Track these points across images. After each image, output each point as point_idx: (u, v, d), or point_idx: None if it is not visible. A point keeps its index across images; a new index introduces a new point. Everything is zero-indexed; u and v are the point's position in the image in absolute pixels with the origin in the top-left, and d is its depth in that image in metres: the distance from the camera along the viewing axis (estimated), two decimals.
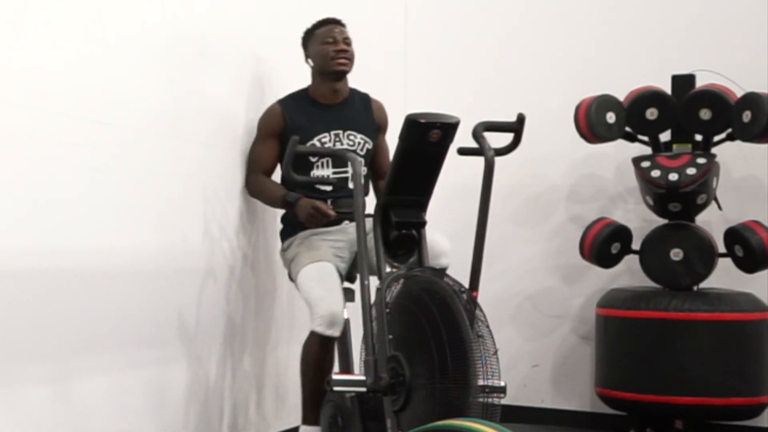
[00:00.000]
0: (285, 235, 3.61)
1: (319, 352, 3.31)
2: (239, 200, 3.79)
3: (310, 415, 3.39)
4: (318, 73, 3.62)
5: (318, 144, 3.50)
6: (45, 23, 2.84)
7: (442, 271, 2.99)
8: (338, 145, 3.53)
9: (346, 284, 3.55)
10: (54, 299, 2.88)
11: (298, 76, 3.74)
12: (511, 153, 4.96)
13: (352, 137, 3.55)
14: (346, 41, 3.60)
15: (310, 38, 3.66)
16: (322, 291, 3.33)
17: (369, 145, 3.59)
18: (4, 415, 2.70)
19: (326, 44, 3.57)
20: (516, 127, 3.13)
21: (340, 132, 3.56)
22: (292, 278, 3.54)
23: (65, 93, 2.92)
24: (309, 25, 3.69)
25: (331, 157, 3.51)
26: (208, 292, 3.62)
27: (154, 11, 3.33)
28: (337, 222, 3.50)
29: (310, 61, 3.66)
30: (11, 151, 2.73)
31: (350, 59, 3.60)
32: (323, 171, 3.48)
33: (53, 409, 2.89)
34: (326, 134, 3.54)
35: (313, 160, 3.46)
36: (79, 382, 2.99)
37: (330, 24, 3.63)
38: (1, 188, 2.70)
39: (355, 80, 3.74)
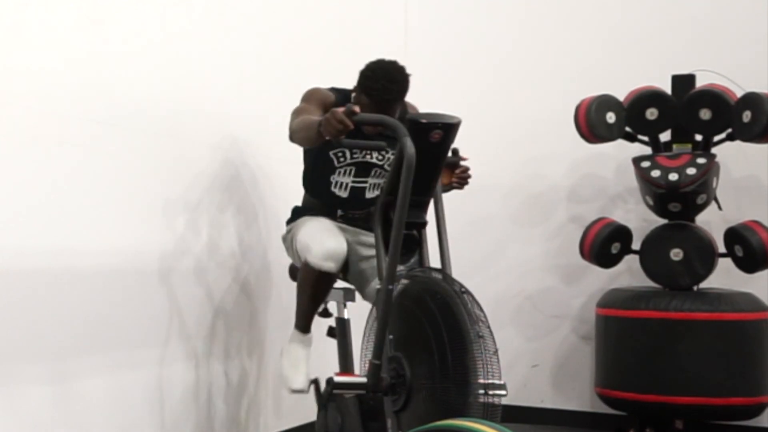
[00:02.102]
0: (289, 221, 3.55)
1: (314, 282, 3.20)
2: (239, 200, 3.79)
3: (301, 322, 3.33)
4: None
5: (348, 153, 3.41)
6: (45, 23, 2.84)
7: (443, 272, 2.98)
8: (367, 158, 3.43)
9: (346, 284, 3.55)
10: (54, 299, 2.88)
11: (300, 74, 3.74)
12: (511, 153, 5.03)
13: (383, 153, 3.44)
14: (396, 107, 3.23)
15: (362, 89, 3.22)
16: (319, 233, 3.23)
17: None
18: (4, 415, 2.70)
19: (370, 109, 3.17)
20: (453, 160, 3.23)
21: None
22: (292, 253, 3.44)
23: (65, 93, 2.92)
24: (372, 70, 3.20)
25: (355, 166, 3.42)
26: (207, 292, 3.62)
27: (154, 11, 3.32)
28: (350, 225, 3.45)
29: (353, 97, 3.30)
30: (11, 151, 2.73)
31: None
32: (344, 178, 3.43)
33: (53, 409, 2.89)
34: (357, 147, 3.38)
35: (336, 165, 3.40)
36: (79, 382, 2.99)
37: (378, 99, 3.16)
38: (1, 188, 2.70)
39: (354, 80, 3.73)
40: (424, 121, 2.86)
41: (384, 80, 3.17)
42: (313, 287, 3.24)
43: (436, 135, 2.87)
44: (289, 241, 3.46)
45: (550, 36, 4.97)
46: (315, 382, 3.34)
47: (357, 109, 2.85)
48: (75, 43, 2.96)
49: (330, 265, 3.16)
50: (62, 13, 2.91)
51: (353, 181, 3.41)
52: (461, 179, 3.29)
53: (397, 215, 2.76)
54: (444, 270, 2.93)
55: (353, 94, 3.32)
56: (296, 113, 3.27)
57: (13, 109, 2.74)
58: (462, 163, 3.29)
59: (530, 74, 4.98)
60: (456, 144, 3.06)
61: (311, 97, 3.36)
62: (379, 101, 3.16)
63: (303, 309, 3.31)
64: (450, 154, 3.13)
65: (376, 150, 3.36)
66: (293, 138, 3.21)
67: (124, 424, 3.19)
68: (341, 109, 2.86)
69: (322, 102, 3.32)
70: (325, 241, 3.18)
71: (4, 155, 2.70)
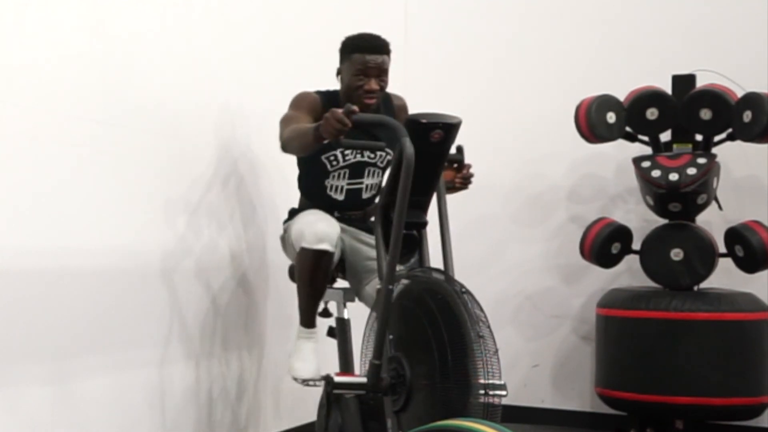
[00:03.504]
0: (286, 221, 3.55)
1: (312, 266, 3.20)
2: (239, 200, 3.79)
3: (304, 317, 3.33)
4: (344, 94, 3.37)
5: (340, 156, 3.42)
6: (45, 23, 2.84)
7: (443, 272, 2.98)
8: (359, 158, 3.44)
9: (346, 284, 3.55)
10: (54, 299, 2.88)
11: (300, 74, 3.74)
12: (511, 153, 5.03)
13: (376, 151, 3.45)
14: (381, 75, 3.33)
15: (345, 56, 3.37)
16: (310, 220, 3.25)
17: (390, 156, 3.48)
18: (4, 415, 2.70)
19: (357, 76, 3.30)
20: (457, 158, 3.23)
21: None
22: (289, 249, 3.43)
23: (65, 93, 2.92)
24: (350, 36, 3.37)
25: (349, 168, 3.43)
26: (207, 292, 3.62)
27: (154, 11, 3.32)
28: (349, 225, 3.45)
29: (339, 78, 3.41)
30: (11, 151, 2.73)
31: (379, 96, 3.35)
32: (339, 182, 3.43)
33: (53, 409, 2.89)
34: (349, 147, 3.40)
35: (329, 169, 3.41)
36: (79, 382, 2.99)
37: (368, 53, 3.30)
38: (0, 188, 2.70)
39: None
40: (424, 121, 2.86)
41: (366, 35, 3.34)
42: (311, 273, 3.22)
43: (437, 135, 2.87)
44: (286, 239, 3.47)
45: (549, 36, 4.97)
46: (327, 378, 3.33)
47: (356, 108, 2.86)
48: (75, 43, 2.96)
49: (324, 246, 3.17)
50: (62, 13, 2.91)
51: (348, 183, 3.41)
52: (464, 180, 3.29)
53: (396, 215, 2.76)
54: (446, 270, 2.92)
55: (338, 76, 3.37)
56: (285, 122, 3.29)
57: (14, 109, 2.74)
58: (467, 165, 3.28)
59: (530, 74, 4.98)
60: (459, 144, 3.06)
61: (299, 104, 3.37)
62: (371, 49, 3.30)
63: (304, 302, 3.31)
64: (454, 151, 3.13)
65: (374, 150, 3.36)
66: (287, 148, 3.23)
67: (124, 424, 3.19)
68: (340, 111, 2.86)
69: (311, 108, 3.34)
70: (316, 224, 3.20)
71: (4, 155, 2.70)
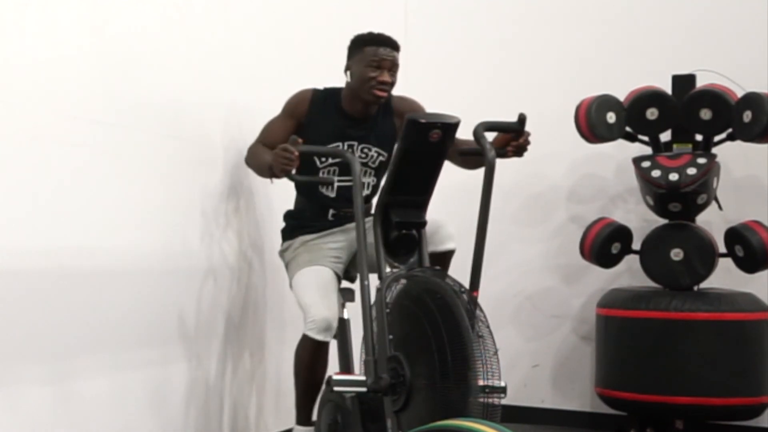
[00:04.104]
0: (285, 236, 3.59)
1: (312, 356, 3.29)
2: (239, 200, 3.79)
3: (302, 415, 3.39)
4: (353, 89, 3.39)
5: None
6: (45, 23, 2.84)
7: (442, 272, 2.98)
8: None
9: (347, 284, 3.55)
10: (54, 299, 2.88)
11: (302, 73, 3.74)
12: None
13: (366, 150, 3.43)
14: (393, 69, 3.36)
15: (356, 51, 3.38)
16: (315, 296, 3.30)
17: (383, 158, 3.49)
18: (4, 415, 2.70)
19: (370, 67, 3.31)
20: (517, 127, 3.09)
21: (355, 144, 3.43)
22: (290, 282, 3.53)
23: (66, 93, 2.92)
24: (361, 33, 3.41)
25: (338, 165, 3.44)
26: (207, 292, 3.62)
27: (154, 11, 3.32)
28: (339, 223, 3.48)
29: (348, 74, 3.41)
30: (11, 151, 2.73)
31: (391, 90, 3.39)
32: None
33: (53, 409, 2.89)
34: (339, 144, 3.41)
35: (319, 165, 3.42)
36: (79, 382, 2.99)
37: (381, 46, 3.34)
38: (0, 188, 2.70)
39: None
40: (423, 120, 2.86)
41: (376, 33, 3.37)
42: (311, 365, 3.31)
43: (435, 135, 2.87)
44: (285, 264, 3.56)
45: (549, 36, 4.97)
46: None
47: (299, 140, 2.95)
48: (75, 43, 2.96)
49: (326, 337, 3.27)
50: (62, 13, 2.91)
51: (339, 180, 3.43)
52: (518, 149, 3.17)
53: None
54: (472, 276, 2.88)
55: (347, 71, 3.42)
56: (262, 132, 3.46)
57: (14, 109, 2.74)
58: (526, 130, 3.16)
59: (530, 74, 4.98)
60: (522, 113, 3.06)
61: (286, 109, 3.48)
62: (383, 42, 3.33)
63: (302, 398, 3.39)
64: (516, 119, 3.05)
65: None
66: (247, 164, 3.45)
67: (125, 424, 3.19)
68: (284, 145, 3.03)
69: (292, 115, 3.45)
70: (324, 310, 3.25)
71: (5, 155, 2.70)
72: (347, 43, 3.45)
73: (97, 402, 3.07)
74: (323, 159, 3.40)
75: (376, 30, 3.42)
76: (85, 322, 3.01)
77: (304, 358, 3.32)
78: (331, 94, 3.45)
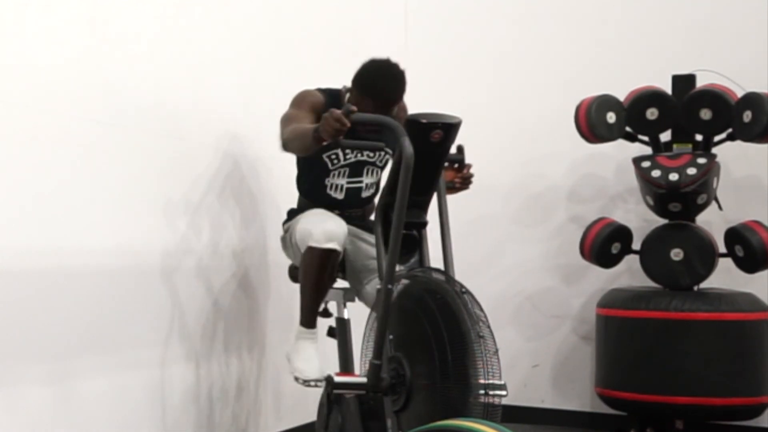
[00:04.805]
0: (285, 223, 3.55)
1: (319, 266, 3.18)
2: (240, 200, 3.78)
3: (306, 317, 3.32)
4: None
5: (341, 155, 3.41)
6: (45, 23, 2.84)
7: (443, 272, 2.98)
8: (359, 157, 3.43)
9: (346, 284, 3.55)
10: (54, 299, 2.88)
11: (301, 73, 3.73)
12: (511, 153, 5.03)
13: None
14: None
15: (358, 88, 3.23)
16: (317, 218, 3.23)
17: (390, 156, 3.47)
18: (4, 415, 2.70)
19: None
20: (457, 158, 3.21)
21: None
22: (292, 249, 3.42)
23: (65, 93, 2.92)
24: (369, 69, 3.22)
25: (349, 167, 3.42)
26: (207, 292, 3.62)
27: (154, 11, 3.32)
28: (349, 224, 3.45)
29: (347, 93, 3.32)
30: (11, 151, 2.73)
31: None
32: (339, 180, 3.43)
33: (53, 409, 2.89)
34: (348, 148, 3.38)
35: (330, 167, 3.41)
36: (79, 382, 2.99)
37: (382, 101, 3.18)
38: (1, 188, 2.70)
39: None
40: (424, 121, 2.86)
41: (385, 81, 3.19)
42: (318, 273, 3.20)
43: (437, 135, 2.87)
44: (287, 239, 3.46)
45: (549, 36, 4.96)
46: (327, 378, 3.33)
47: (355, 108, 2.85)
48: (75, 43, 2.96)
49: (333, 245, 3.15)
50: (62, 13, 2.91)
51: (348, 182, 3.41)
52: (464, 180, 3.27)
53: (395, 215, 2.76)
54: (446, 270, 2.92)
55: (346, 93, 3.33)
56: (286, 121, 3.27)
57: (13, 109, 2.74)
58: (467, 165, 3.27)
59: (530, 74, 4.98)
60: (459, 144, 3.06)
61: (301, 101, 3.35)
62: (382, 103, 3.17)
63: (308, 302, 3.30)
64: (455, 150, 3.12)
65: (374, 150, 3.35)
66: (287, 148, 3.21)
67: (124, 424, 3.19)
68: (339, 111, 2.85)
69: (312, 106, 3.31)
70: (324, 222, 3.19)
71: (4, 155, 2.70)
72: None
73: (97, 402, 3.07)
74: (335, 161, 3.40)
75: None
76: (85, 322, 3.01)
77: (312, 269, 3.19)
78: (336, 96, 3.41)
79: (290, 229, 3.42)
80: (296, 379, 3.28)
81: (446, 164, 3.11)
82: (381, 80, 3.20)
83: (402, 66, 3.24)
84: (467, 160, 3.26)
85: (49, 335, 2.86)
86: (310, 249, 3.17)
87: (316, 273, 3.21)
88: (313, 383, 3.25)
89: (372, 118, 3.07)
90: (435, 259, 3.01)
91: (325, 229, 3.16)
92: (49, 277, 2.87)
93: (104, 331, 3.09)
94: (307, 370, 3.26)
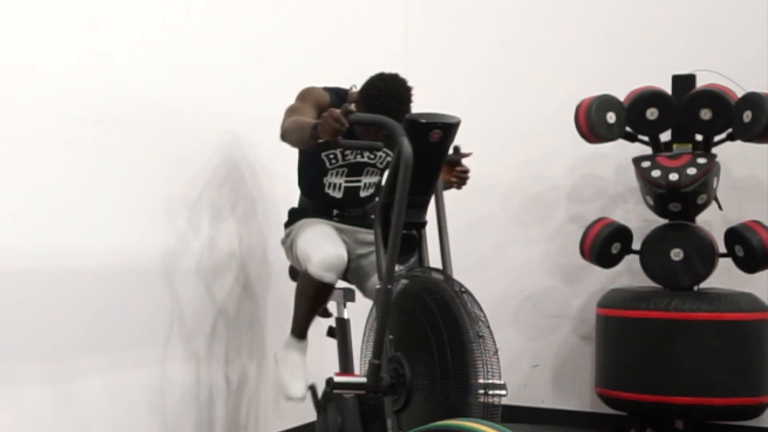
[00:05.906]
0: (287, 225, 3.55)
1: (315, 293, 3.21)
2: (240, 200, 3.79)
3: (298, 329, 3.33)
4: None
5: (339, 155, 3.41)
6: (45, 23, 2.84)
7: (442, 272, 2.98)
8: (359, 158, 3.44)
9: (346, 284, 3.55)
10: (54, 299, 2.88)
11: (301, 74, 3.73)
12: (511, 153, 5.03)
13: (374, 151, 3.45)
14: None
15: (365, 100, 3.22)
16: (320, 239, 3.24)
17: (389, 158, 3.48)
18: (4, 415, 2.70)
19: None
20: (454, 158, 3.23)
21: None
22: (292, 257, 3.43)
23: (65, 93, 2.92)
24: (378, 83, 3.21)
25: (347, 166, 3.42)
26: (207, 292, 3.62)
27: (154, 12, 3.32)
28: (341, 224, 3.46)
29: (356, 98, 3.31)
30: (11, 151, 2.73)
31: None
32: (337, 179, 3.43)
33: (53, 409, 2.89)
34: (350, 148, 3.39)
35: (328, 167, 3.41)
36: (79, 382, 2.99)
37: (391, 106, 3.16)
38: (0, 188, 2.70)
39: (354, 81, 3.73)
40: (423, 121, 2.86)
41: (393, 101, 3.18)
42: (312, 297, 3.24)
43: (436, 135, 2.87)
44: (288, 245, 3.46)
45: (549, 36, 4.97)
46: (312, 387, 3.34)
47: (353, 108, 2.86)
48: (75, 43, 2.96)
49: (330, 276, 3.17)
50: (62, 13, 2.91)
51: (346, 181, 3.42)
52: (460, 179, 3.29)
53: (395, 215, 2.76)
54: (444, 269, 2.92)
55: (351, 90, 3.34)
56: (290, 112, 3.26)
57: (13, 109, 2.74)
58: (463, 161, 3.28)
59: (530, 74, 4.98)
60: (456, 144, 3.06)
61: (306, 96, 3.35)
62: (389, 99, 3.18)
63: (300, 317, 3.32)
64: (451, 151, 3.13)
65: (372, 150, 3.36)
66: (285, 138, 3.20)
67: (124, 424, 3.19)
68: (338, 111, 2.86)
69: (317, 102, 3.31)
70: (325, 250, 3.18)
71: (4, 155, 2.70)
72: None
73: (97, 402, 3.06)
74: (333, 161, 3.39)
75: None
76: (85, 322, 3.01)
77: (307, 293, 3.23)
78: (342, 95, 3.40)
79: (292, 235, 3.43)
80: (282, 393, 3.31)
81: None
82: (388, 101, 3.18)
83: (409, 83, 3.25)
84: (467, 155, 3.26)
85: (49, 335, 2.86)
86: (308, 274, 3.20)
87: (311, 297, 3.25)
88: (295, 401, 3.29)
89: (371, 118, 3.07)
90: (435, 259, 3.01)
91: (324, 257, 3.16)
92: (49, 277, 2.87)
93: (104, 331, 3.09)
94: (291, 388, 3.28)
